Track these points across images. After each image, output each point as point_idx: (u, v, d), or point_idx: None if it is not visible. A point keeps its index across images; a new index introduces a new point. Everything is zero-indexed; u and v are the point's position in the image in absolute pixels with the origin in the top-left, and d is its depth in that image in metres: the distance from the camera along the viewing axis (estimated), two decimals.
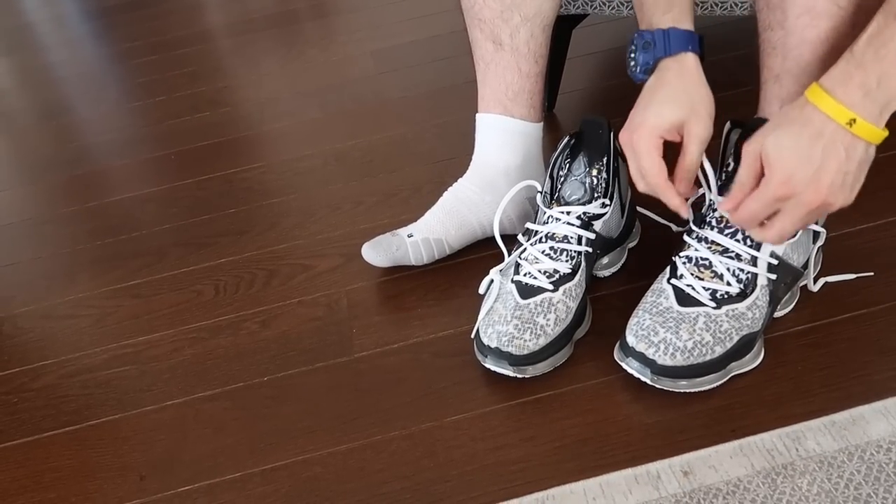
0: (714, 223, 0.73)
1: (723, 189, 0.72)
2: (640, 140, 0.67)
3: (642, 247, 0.89)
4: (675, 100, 0.68)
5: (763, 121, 0.71)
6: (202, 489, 0.72)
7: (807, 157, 0.59)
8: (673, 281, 0.73)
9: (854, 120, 0.57)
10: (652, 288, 0.75)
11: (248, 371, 0.84)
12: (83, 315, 0.98)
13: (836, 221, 0.83)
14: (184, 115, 1.42)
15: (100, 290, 1.02)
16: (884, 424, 0.65)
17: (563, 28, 1.13)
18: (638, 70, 0.70)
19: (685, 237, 0.75)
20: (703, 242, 0.73)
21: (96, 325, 0.96)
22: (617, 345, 0.74)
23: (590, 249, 0.79)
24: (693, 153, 0.68)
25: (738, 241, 0.71)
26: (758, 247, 0.71)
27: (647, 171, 0.68)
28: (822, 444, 0.65)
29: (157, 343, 0.91)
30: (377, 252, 0.89)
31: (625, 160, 0.77)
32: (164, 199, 1.19)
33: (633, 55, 0.71)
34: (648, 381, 0.70)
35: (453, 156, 1.12)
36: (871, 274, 0.78)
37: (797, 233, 0.71)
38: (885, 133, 0.59)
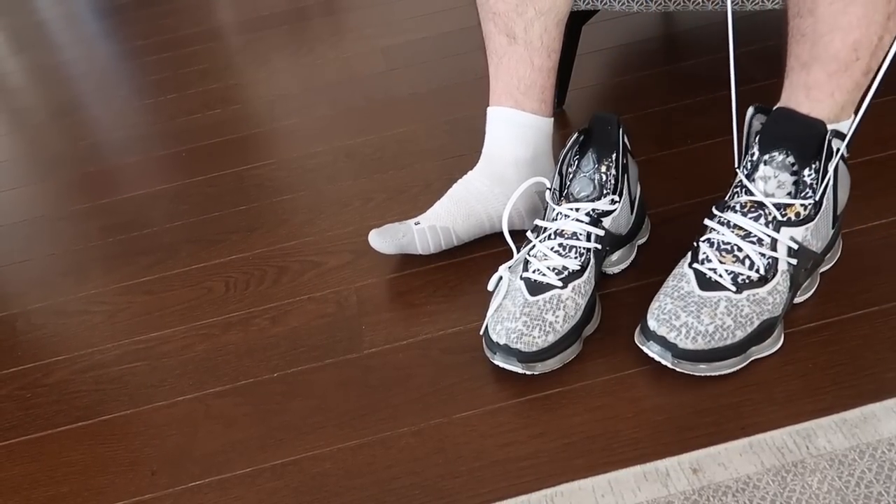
0: (738, 207, 0.73)
1: (750, 176, 0.72)
2: None
3: (652, 244, 0.89)
4: None
5: (785, 109, 0.70)
6: (213, 484, 0.73)
7: None
8: (695, 265, 0.73)
9: None
10: (673, 272, 0.75)
11: (259, 367, 0.85)
12: (95, 311, 0.99)
13: (849, 218, 0.82)
14: (195, 113, 1.43)
15: (112, 287, 1.02)
16: (895, 422, 0.64)
17: (573, 24, 1.13)
18: None
19: (707, 221, 0.74)
20: (725, 226, 0.73)
21: (108, 321, 0.97)
22: (637, 328, 0.74)
23: (599, 246, 0.79)
24: None
25: (760, 225, 0.71)
26: (777, 229, 0.71)
27: None
28: (832, 442, 0.64)
29: (169, 339, 0.91)
30: (383, 238, 0.89)
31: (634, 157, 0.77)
32: (175, 196, 1.19)
33: None
34: (669, 365, 0.70)
35: (464, 152, 1.12)
36: None
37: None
38: None
